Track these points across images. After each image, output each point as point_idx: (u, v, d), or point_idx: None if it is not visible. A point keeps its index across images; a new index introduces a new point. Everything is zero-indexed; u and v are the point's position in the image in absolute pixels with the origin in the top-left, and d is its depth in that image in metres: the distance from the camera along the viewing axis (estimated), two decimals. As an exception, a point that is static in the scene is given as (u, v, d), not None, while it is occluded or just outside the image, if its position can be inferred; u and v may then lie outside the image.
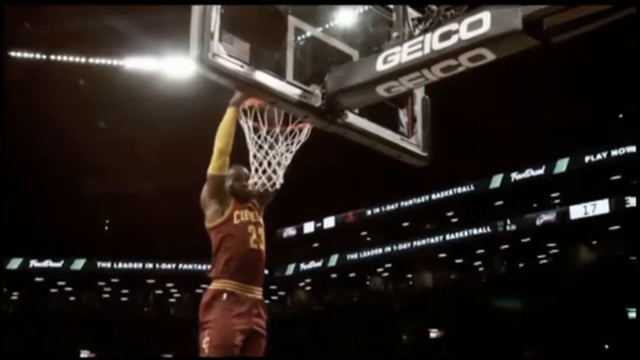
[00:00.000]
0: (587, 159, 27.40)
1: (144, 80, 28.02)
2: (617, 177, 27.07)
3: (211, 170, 4.00)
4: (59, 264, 35.36)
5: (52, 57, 28.35)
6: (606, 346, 22.36)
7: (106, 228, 39.61)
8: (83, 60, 28.47)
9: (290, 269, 35.41)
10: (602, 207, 26.29)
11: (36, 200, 32.38)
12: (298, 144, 4.01)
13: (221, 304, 3.87)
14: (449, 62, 3.18)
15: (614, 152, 26.66)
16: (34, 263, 34.54)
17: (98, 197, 34.18)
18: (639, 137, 25.64)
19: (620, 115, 28.30)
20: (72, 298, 36.26)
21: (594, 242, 27.65)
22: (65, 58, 28.39)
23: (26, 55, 27.93)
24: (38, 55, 28.18)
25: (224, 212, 4.06)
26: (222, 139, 3.92)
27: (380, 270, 35.16)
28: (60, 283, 36.33)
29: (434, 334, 27.81)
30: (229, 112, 3.92)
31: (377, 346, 26.88)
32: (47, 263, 35.05)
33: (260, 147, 3.96)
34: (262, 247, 4.12)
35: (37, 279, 34.95)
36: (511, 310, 22.33)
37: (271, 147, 3.98)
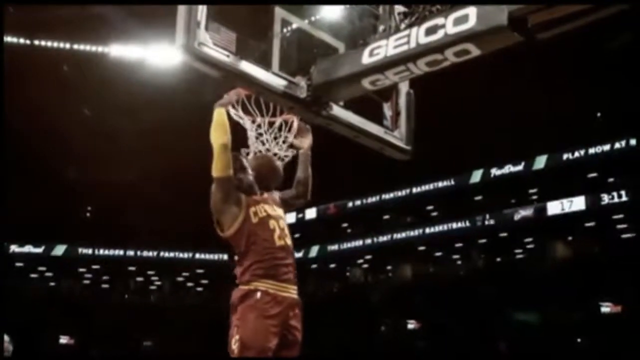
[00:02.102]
0: (565, 156, 27.81)
1: (128, 67, 27.96)
2: (594, 174, 27.58)
3: (217, 172, 3.61)
4: (39, 250, 35.32)
5: (36, 42, 28.13)
6: (578, 340, 22.81)
7: (88, 215, 39.53)
8: (67, 46, 28.31)
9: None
10: (578, 203, 26.76)
11: (18, 185, 32.27)
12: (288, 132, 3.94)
13: (254, 303, 3.54)
14: (434, 57, 3.17)
15: (591, 151, 27.11)
16: (14, 248, 34.41)
17: (80, 183, 34.11)
18: (615, 136, 26.24)
19: (599, 115, 28.77)
20: (52, 283, 36.21)
21: (570, 238, 28.15)
22: (49, 44, 28.21)
23: (9, 39, 27.70)
24: (22, 40, 27.93)
25: (239, 213, 3.67)
26: (221, 134, 3.59)
27: (360, 262, 35.41)
28: (41, 268, 36.31)
29: (412, 325, 28.11)
30: (221, 111, 3.67)
31: (356, 336, 27.17)
32: (28, 248, 34.95)
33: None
34: (289, 241, 3.77)
35: (18, 264, 34.84)
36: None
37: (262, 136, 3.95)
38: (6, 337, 6.76)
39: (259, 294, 3.54)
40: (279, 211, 3.86)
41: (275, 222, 3.73)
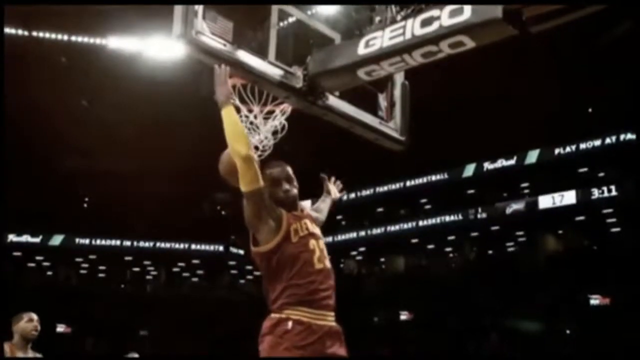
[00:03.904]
0: (556, 151, 28.07)
1: (126, 59, 28.04)
2: (584, 169, 27.87)
3: (245, 186, 3.19)
4: (37, 239, 35.44)
5: (34, 33, 28.17)
6: (567, 331, 23.09)
7: (85, 205, 39.64)
8: (65, 38, 28.35)
9: (266, 250, 35.73)
10: (569, 198, 27.06)
11: (15, 175, 32.42)
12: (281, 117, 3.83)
13: (284, 334, 3.15)
14: (429, 48, 3.15)
15: (582, 146, 27.38)
16: (12, 237, 34.54)
17: (77, 174, 34.21)
18: (606, 131, 26.52)
19: (590, 110, 29.02)
20: (49, 273, 36.37)
21: (560, 232, 28.46)
22: (47, 35, 28.25)
23: (7, 31, 27.70)
24: (19, 32, 27.95)
25: (278, 230, 3.27)
26: (242, 145, 3.15)
27: (354, 253, 35.63)
28: (38, 258, 36.45)
29: (404, 316, 28.33)
30: (230, 110, 3.26)
31: (349, 327, 27.43)
32: (25, 238, 35.09)
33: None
34: (328, 264, 3.39)
35: (15, 254, 34.98)
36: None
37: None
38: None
39: (290, 324, 3.15)
40: (318, 230, 3.48)
41: (316, 242, 3.35)
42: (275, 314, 3.21)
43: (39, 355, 5.36)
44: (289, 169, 3.41)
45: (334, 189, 4.26)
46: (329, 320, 3.32)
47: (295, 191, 3.40)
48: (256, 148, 3.84)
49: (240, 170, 3.17)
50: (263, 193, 3.24)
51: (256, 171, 3.19)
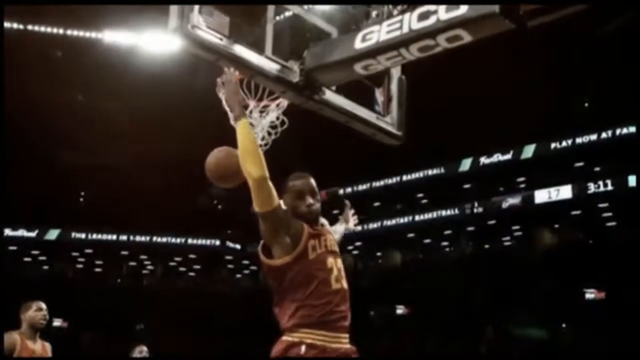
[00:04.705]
0: (552, 145, 28.15)
1: (122, 53, 27.99)
2: (580, 164, 27.95)
3: (258, 207, 3.05)
4: (33, 234, 35.44)
5: (30, 27, 28.09)
6: (563, 325, 23.18)
7: (81, 199, 39.62)
8: (61, 31, 28.28)
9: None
10: (565, 192, 27.14)
11: (11, 170, 32.37)
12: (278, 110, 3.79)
13: (297, 358, 3.01)
14: (426, 42, 3.13)
15: (579, 140, 27.46)
16: (8, 232, 34.51)
17: (74, 168, 34.16)
18: (602, 125, 26.59)
19: (586, 105, 29.10)
20: (45, 267, 36.36)
21: (556, 226, 28.56)
22: (42, 29, 28.17)
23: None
24: (15, 25, 27.86)
25: (296, 245, 3.10)
26: (256, 166, 3.03)
27: (350, 248, 35.71)
28: (34, 252, 36.45)
29: (400, 310, 28.41)
30: (244, 125, 3.13)
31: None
32: (21, 232, 35.07)
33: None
34: (345, 284, 3.20)
35: (11, 248, 34.97)
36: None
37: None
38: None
39: (303, 348, 3.00)
40: (336, 247, 3.32)
41: (334, 261, 3.18)
42: (287, 337, 3.06)
43: (47, 344, 5.37)
44: (313, 182, 3.28)
45: (352, 219, 4.17)
46: (344, 342, 3.12)
47: (318, 205, 3.26)
48: None
49: (253, 191, 3.03)
50: (278, 212, 3.08)
51: (270, 192, 3.04)
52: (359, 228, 4.18)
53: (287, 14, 3.66)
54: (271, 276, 3.15)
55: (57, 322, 30.52)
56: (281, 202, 3.15)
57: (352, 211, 4.20)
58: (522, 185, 30.04)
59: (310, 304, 3.05)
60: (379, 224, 33.01)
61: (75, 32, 28.20)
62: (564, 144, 27.84)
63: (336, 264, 3.18)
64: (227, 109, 3.45)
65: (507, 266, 25.63)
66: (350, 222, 4.15)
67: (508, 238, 30.95)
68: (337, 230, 3.88)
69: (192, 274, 38.96)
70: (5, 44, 27.37)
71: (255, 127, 3.77)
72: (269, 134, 3.86)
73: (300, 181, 3.27)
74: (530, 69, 25.15)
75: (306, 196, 3.23)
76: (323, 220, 3.43)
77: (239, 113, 3.15)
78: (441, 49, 3.15)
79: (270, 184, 3.05)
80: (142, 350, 7.07)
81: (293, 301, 3.07)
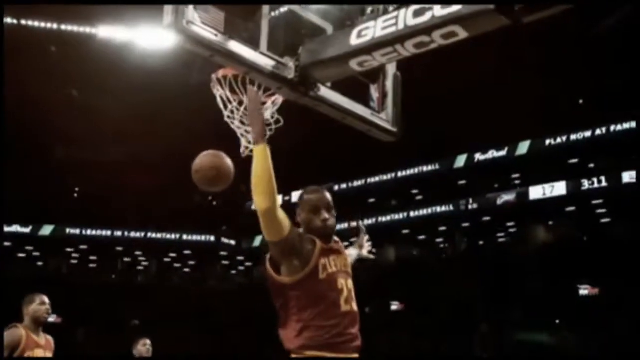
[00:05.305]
0: (547, 142, 28.24)
1: (116, 49, 27.91)
2: (575, 160, 28.05)
3: (267, 237, 2.96)
4: (27, 230, 35.34)
5: (23, 22, 27.96)
6: (557, 321, 23.28)
7: (75, 195, 39.53)
8: (55, 26, 28.17)
9: (258, 241, 35.83)
10: (559, 189, 27.25)
11: (5, 165, 32.25)
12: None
13: None
14: (422, 39, 3.13)
15: (573, 137, 27.56)
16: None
17: (68, 164, 34.10)
18: (596, 122, 26.68)
19: (581, 101, 29.17)
20: (39, 263, 36.29)
21: (551, 223, 28.65)
22: (36, 24, 28.04)
23: (-5, 19, 27.47)
24: (9, 20, 27.72)
25: (306, 264, 3.00)
26: (264, 195, 2.91)
27: (345, 244, 35.63)
28: (28, 248, 36.35)
29: (395, 306, 28.48)
30: (263, 151, 2.98)
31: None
32: (15, 228, 34.97)
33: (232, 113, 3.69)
34: (355, 306, 3.12)
35: (5, 244, 34.85)
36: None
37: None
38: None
39: None
40: (349, 267, 3.24)
41: (344, 281, 3.09)
42: (295, 355, 2.96)
43: (50, 338, 5.35)
44: (329, 196, 3.20)
45: (366, 245, 4.05)
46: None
47: (334, 221, 3.17)
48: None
49: (261, 222, 2.90)
50: (288, 241, 2.95)
51: (277, 223, 2.91)
52: (373, 257, 4.00)
53: (283, 10, 3.64)
54: (277, 293, 3.03)
55: (51, 319, 30.46)
56: (292, 228, 3.01)
57: (367, 237, 4.07)
58: (517, 182, 30.14)
59: (318, 325, 2.94)
60: (374, 220, 33.05)
61: (69, 27, 28.06)
62: (558, 140, 27.93)
63: (347, 285, 3.09)
64: (246, 128, 3.37)
65: (502, 262, 25.72)
66: (365, 248, 4.02)
67: (503, 234, 31.05)
68: (350, 254, 3.74)
69: (187, 270, 38.96)
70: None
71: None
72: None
73: (315, 195, 3.21)
74: (524, 66, 25.20)
75: (321, 210, 3.15)
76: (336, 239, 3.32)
77: (258, 136, 3.01)
78: (437, 45, 3.14)
79: (280, 212, 2.92)
80: (145, 343, 7.05)
81: (299, 321, 2.96)
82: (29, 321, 5.18)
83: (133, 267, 37.92)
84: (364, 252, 3.99)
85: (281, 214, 2.93)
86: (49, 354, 5.23)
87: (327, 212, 3.15)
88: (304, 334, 2.94)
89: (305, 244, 3.03)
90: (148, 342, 7.10)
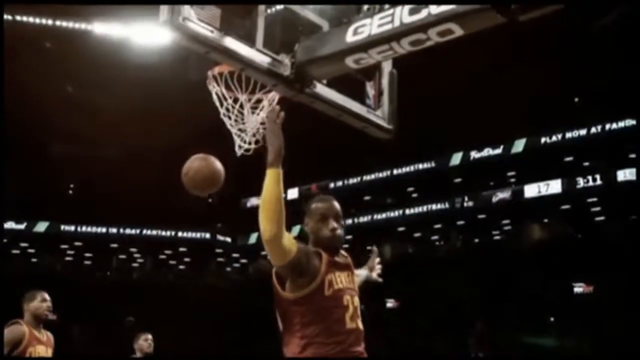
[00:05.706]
0: (542, 140, 28.31)
1: (112, 45, 27.85)
2: (570, 158, 28.13)
3: (276, 262, 2.87)
4: (21, 226, 35.24)
5: (18, 17, 27.87)
6: (552, 318, 23.33)
7: (70, 191, 39.46)
8: (50, 22, 28.07)
9: (253, 238, 35.79)
10: (554, 187, 27.31)
11: (5, 165, 32.13)
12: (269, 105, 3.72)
13: None
14: (418, 36, 3.13)
15: (568, 135, 27.64)
16: (-4, 224, 34.34)
17: (63, 160, 34.03)
18: (591, 121, 26.75)
19: (576, 100, 29.24)
20: (34, 260, 36.20)
21: (546, 220, 28.72)
22: (32, 19, 27.96)
23: (-10, 14, 27.34)
24: (4, 16, 27.61)
25: (312, 280, 2.92)
26: (271, 222, 2.81)
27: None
28: (23, 245, 36.25)
29: (390, 304, 28.51)
30: (276, 175, 2.88)
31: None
32: (10, 225, 34.86)
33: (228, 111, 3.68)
34: (361, 324, 3.02)
35: (0, 240, 34.77)
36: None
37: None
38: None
39: None
40: (356, 284, 3.14)
41: (350, 298, 3.00)
42: None
43: (50, 335, 5.35)
44: (338, 206, 3.11)
45: (377, 267, 3.95)
46: None
47: (342, 231, 3.07)
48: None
49: (265, 248, 2.83)
50: (293, 264, 2.86)
51: (283, 249, 2.82)
52: (381, 280, 3.88)
53: (279, 7, 3.65)
54: (281, 308, 2.97)
55: (46, 315, 30.42)
56: (298, 249, 2.91)
57: (379, 259, 3.98)
58: (512, 180, 30.22)
59: (322, 341, 2.87)
60: (369, 217, 33.09)
61: (64, 23, 27.98)
62: (553, 138, 28.01)
63: (353, 302, 2.99)
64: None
65: (497, 260, 25.75)
66: (374, 271, 3.92)
67: (498, 232, 31.11)
68: (359, 274, 3.62)
69: (182, 267, 38.92)
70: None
71: (246, 123, 3.77)
72: (259, 130, 3.86)
73: (324, 204, 3.14)
74: (520, 64, 25.23)
75: (330, 220, 3.06)
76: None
77: (274, 159, 2.88)
78: (433, 42, 3.14)
79: (285, 237, 2.83)
80: (147, 338, 7.05)
81: (303, 337, 2.88)
82: (30, 317, 5.17)
83: (128, 264, 37.86)
84: (374, 275, 3.90)
85: (286, 239, 2.84)
86: (50, 350, 5.23)
87: (335, 222, 3.07)
88: (307, 350, 2.87)
89: (312, 260, 2.94)
90: (149, 337, 7.10)
